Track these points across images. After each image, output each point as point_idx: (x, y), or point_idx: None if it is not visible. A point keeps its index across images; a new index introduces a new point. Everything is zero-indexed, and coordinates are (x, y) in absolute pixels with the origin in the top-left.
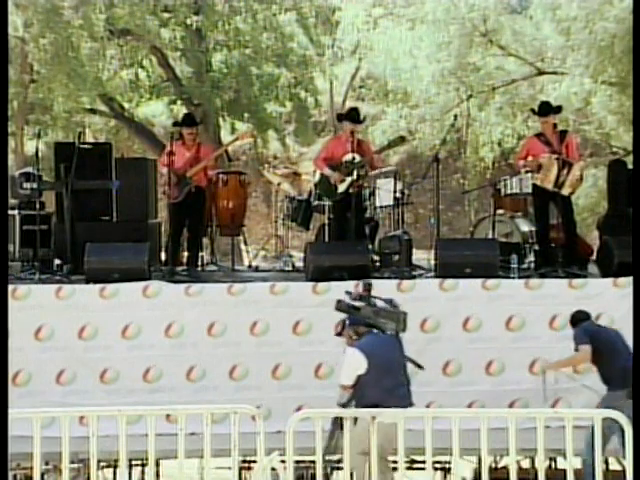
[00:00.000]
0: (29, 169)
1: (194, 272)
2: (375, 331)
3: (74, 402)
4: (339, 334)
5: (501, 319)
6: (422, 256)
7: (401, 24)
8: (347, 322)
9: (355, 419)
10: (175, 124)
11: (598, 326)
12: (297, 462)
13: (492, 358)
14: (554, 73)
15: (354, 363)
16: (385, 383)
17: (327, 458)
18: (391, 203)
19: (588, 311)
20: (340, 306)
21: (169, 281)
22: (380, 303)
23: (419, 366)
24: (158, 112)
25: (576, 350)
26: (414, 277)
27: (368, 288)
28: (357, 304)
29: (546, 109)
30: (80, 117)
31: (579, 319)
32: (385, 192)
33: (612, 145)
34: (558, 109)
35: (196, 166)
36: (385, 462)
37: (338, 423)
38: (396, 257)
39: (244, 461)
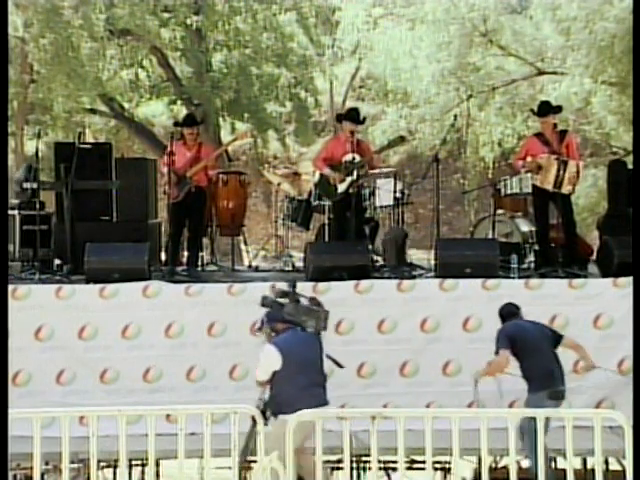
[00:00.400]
0: (27, 166)
1: (194, 272)
2: (295, 329)
3: (74, 402)
4: (260, 329)
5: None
6: (422, 256)
7: (401, 24)
8: (265, 319)
9: (266, 419)
10: (176, 124)
11: (526, 322)
12: None
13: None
14: (554, 73)
15: (269, 359)
16: (299, 381)
17: (246, 459)
18: (391, 203)
19: (517, 304)
20: (265, 302)
21: (169, 281)
22: (303, 301)
23: (339, 365)
24: (158, 112)
25: (496, 354)
26: (414, 277)
27: (293, 285)
28: (281, 300)
29: (546, 109)
30: (80, 117)
31: (509, 313)
32: (385, 192)
33: (612, 145)
34: (558, 109)
35: (196, 166)
36: (309, 459)
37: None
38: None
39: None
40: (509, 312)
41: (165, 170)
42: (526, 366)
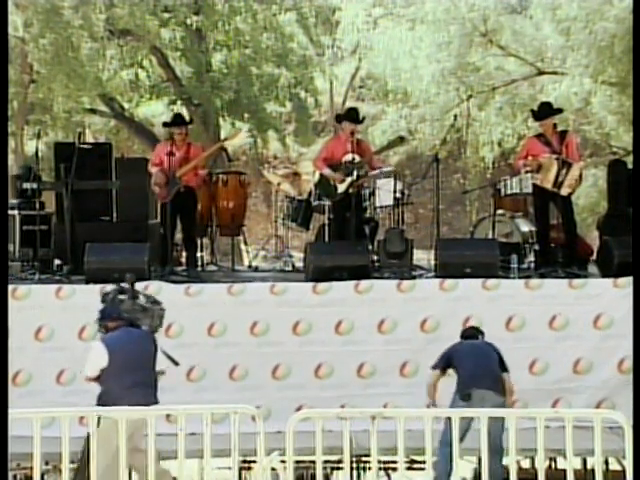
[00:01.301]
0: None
1: (194, 272)
2: (128, 327)
3: (74, 402)
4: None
5: (501, 319)
6: (422, 256)
7: (401, 24)
8: (99, 315)
9: (99, 418)
10: (165, 124)
11: (476, 342)
12: (297, 462)
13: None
14: (554, 73)
15: (96, 356)
16: (124, 380)
17: (79, 464)
18: (391, 203)
19: (479, 328)
20: (105, 297)
21: (169, 281)
22: (141, 299)
23: (175, 362)
24: (158, 112)
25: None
26: (414, 277)
27: (132, 282)
28: (121, 297)
29: (545, 112)
30: (80, 117)
31: (470, 336)
32: (385, 192)
33: (612, 145)
34: (557, 111)
35: (186, 166)
36: (141, 454)
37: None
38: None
39: (244, 461)
40: (469, 335)
41: (154, 171)
42: (460, 373)
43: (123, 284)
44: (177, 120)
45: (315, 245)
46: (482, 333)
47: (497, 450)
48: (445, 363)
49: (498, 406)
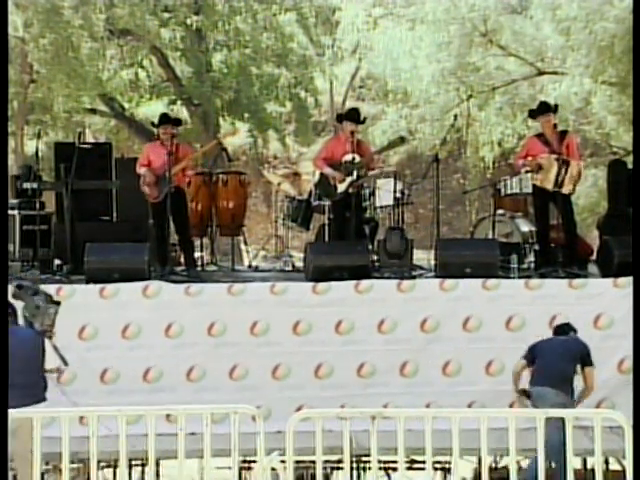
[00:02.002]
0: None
1: (193, 272)
2: (17, 325)
3: (73, 401)
4: None
5: (501, 319)
6: (422, 256)
7: (401, 24)
8: None
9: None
10: (153, 124)
11: (560, 338)
12: (297, 462)
13: (492, 358)
14: (554, 73)
15: None
16: None
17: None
18: (391, 203)
19: (571, 324)
20: (14, 292)
21: (169, 281)
22: (39, 297)
23: (65, 362)
24: (158, 112)
25: None
26: (414, 277)
27: (33, 279)
28: (28, 293)
29: (542, 109)
30: (80, 117)
31: (561, 332)
32: (385, 192)
33: (612, 145)
34: (555, 108)
35: (175, 166)
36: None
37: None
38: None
39: (244, 461)
40: (559, 332)
41: (142, 171)
42: (534, 367)
43: (24, 281)
44: (163, 120)
45: (315, 245)
46: (574, 330)
47: (553, 452)
48: (530, 355)
49: (559, 406)
